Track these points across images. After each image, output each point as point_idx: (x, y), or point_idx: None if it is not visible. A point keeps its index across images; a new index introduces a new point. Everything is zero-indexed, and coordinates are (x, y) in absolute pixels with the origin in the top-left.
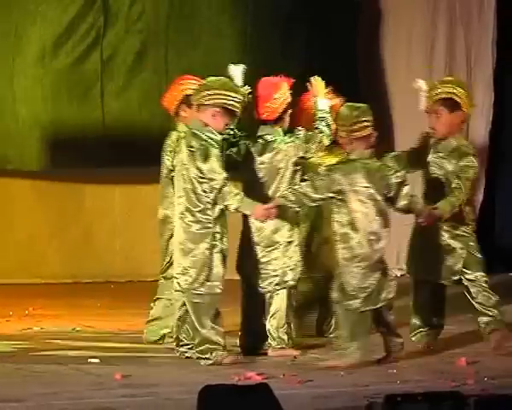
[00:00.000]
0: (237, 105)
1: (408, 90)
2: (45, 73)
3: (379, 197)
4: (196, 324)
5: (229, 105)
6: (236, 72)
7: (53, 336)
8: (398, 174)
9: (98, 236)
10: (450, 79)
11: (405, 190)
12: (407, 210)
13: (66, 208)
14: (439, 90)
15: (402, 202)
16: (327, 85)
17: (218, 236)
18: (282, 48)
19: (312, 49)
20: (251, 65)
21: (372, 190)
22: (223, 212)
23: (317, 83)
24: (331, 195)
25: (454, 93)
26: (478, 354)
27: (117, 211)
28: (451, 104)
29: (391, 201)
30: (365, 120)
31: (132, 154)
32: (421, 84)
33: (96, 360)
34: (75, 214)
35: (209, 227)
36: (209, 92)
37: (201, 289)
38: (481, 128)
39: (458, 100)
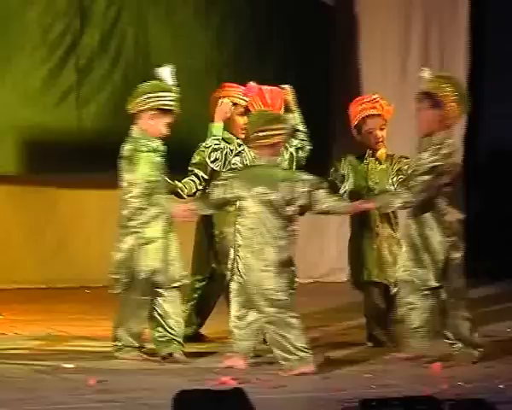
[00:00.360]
0: (172, 103)
1: (382, 93)
2: (21, 77)
3: (280, 203)
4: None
5: (164, 105)
6: (165, 73)
7: (28, 342)
8: (305, 183)
9: (73, 241)
10: (443, 74)
11: (318, 195)
12: (327, 213)
13: (40, 213)
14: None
15: (317, 207)
16: (296, 92)
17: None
18: (258, 54)
19: (286, 55)
20: (229, 73)
21: (273, 197)
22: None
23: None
24: (228, 199)
25: (437, 88)
26: (453, 359)
27: (91, 216)
28: (433, 100)
29: (305, 207)
30: (273, 129)
31: (107, 159)
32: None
33: (71, 366)
34: (50, 219)
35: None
36: (142, 98)
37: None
38: (455, 131)
39: (440, 97)
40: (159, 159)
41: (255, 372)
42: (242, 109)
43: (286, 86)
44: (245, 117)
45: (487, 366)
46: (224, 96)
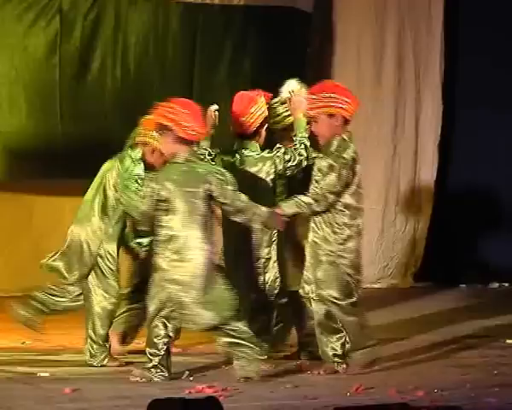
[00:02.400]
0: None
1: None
2: (2, 82)
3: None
4: None
5: None
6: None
7: (2, 350)
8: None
9: (48, 248)
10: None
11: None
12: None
13: (15, 221)
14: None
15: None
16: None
17: None
18: (231, 62)
19: (261, 62)
20: (201, 77)
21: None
22: None
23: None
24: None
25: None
26: (429, 367)
27: (67, 223)
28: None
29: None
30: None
31: (89, 166)
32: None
33: (46, 374)
34: (25, 227)
35: None
36: None
37: None
38: (430, 140)
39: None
40: None
41: (230, 381)
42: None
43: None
44: None
45: (463, 373)
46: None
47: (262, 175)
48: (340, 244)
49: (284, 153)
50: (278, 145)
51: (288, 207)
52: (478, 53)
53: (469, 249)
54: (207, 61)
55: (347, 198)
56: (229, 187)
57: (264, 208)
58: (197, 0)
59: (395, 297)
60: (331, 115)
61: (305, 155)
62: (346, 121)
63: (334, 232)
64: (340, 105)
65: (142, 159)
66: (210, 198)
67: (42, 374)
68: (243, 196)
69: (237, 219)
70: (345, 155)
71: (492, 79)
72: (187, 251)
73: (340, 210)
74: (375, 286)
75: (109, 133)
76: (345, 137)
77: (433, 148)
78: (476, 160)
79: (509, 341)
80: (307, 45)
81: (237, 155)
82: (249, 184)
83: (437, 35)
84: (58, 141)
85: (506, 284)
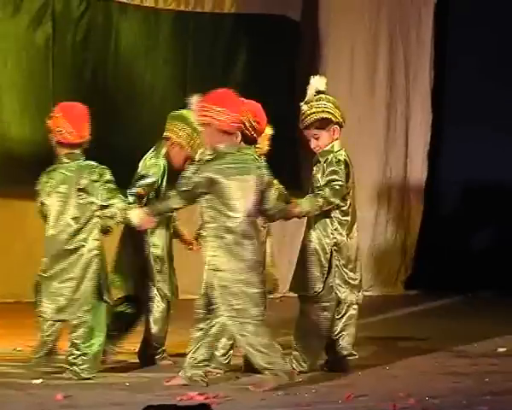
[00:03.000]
0: None
1: (351, 108)
2: None
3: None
4: None
5: None
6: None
7: None
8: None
9: (41, 254)
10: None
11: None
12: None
13: (8, 226)
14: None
15: None
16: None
17: None
18: (223, 67)
19: (251, 70)
20: (192, 85)
21: None
22: None
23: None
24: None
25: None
26: (420, 374)
27: None
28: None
29: None
30: None
31: None
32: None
33: (38, 381)
34: (18, 232)
35: None
36: None
37: None
38: (419, 147)
39: (329, 116)
40: None
41: (222, 387)
42: None
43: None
44: None
45: (455, 381)
46: None
47: None
48: None
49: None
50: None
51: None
52: (467, 60)
53: (460, 256)
54: (198, 69)
55: None
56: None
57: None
58: (187, 8)
59: (386, 305)
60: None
61: None
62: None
63: None
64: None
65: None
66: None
67: (33, 381)
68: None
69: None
70: None
71: (482, 86)
72: None
73: None
74: (366, 294)
75: (100, 139)
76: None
77: (423, 155)
78: (466, 166)
79: (500, 349)
80: (297, 53)
81: None
82: None
83: (427, 43)
84: (50, 146)
85: (497, 291)
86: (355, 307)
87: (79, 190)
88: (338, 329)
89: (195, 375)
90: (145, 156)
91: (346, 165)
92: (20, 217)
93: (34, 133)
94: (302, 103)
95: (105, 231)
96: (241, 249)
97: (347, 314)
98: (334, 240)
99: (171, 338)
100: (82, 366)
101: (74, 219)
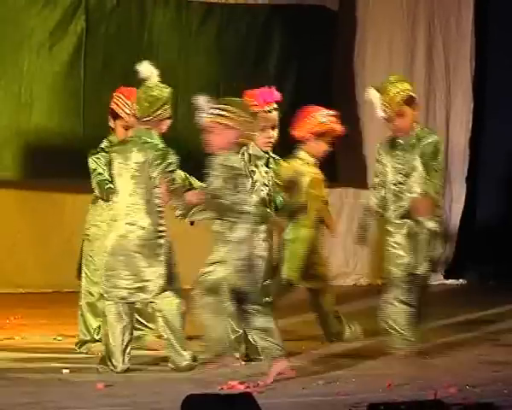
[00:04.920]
0: None
1: None
2: (27, 80)
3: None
4: None
5: None
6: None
7: (34, 346)
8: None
9: (79, 245)
10: (397, 76)
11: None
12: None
13: (47, 218)
14: (398, 90)
15: None
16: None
17: None
18: (256, 59)
19: (287, 62)
20: (226, 77)
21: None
22: None
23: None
24: None
25: (409, 89)
26: (460, 363)
27: None
28: (411, 101)
29: None
30: None
31: None
32: (373, 93)
33: (67, 371)
34: (56, 224)
35: None
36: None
37: None
38: (461, 136)
39: (414, 94)
40: None
41: (261, 377)
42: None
43: None
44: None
45: (495, 370)
46: None
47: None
48: None
49: None
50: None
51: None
52: (508, 49)
53: (502, 246)
54: (231, 62)
55: None
56: None
57: None
58: (220, 0)
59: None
60: None
61: None
62: None
63: None
64: None
65: None
66: None
67: (64, 371)
68: None
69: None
70: None
71: None
72: None
73: None
74: None
75: None
76: None
77: (465, 145)
78: (508, 157)
79: None
80: (334, 44)
81: None
82: None
83: (467, 31)
84: (80, 140)
85: None
86: None
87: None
88: None
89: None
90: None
91: None
92: (58, 209)
93: (67, 125)
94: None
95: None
96: None
97: None
98: None
99: None
100: None
101: None
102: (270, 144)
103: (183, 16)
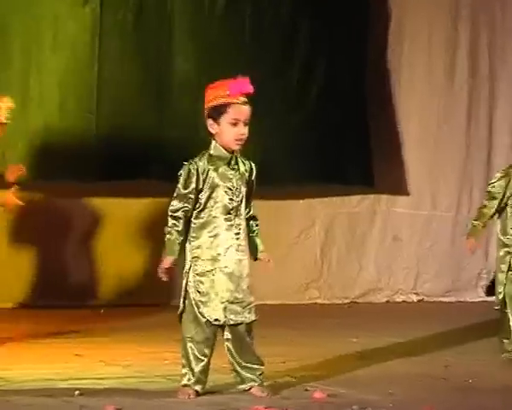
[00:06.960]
0: None
1: (429, 98)
2: (37, 79)
3: None
4: None
5: None
6: None
7: (39, 366)
8: None
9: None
10: None
11: None
12: None
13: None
14: None
15: None
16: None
17: None
18: (283, 50)
19: (316, 54)
20: (249, 65)
21: None
22: None
23: None
24: None
25: None
26: (505, 386)
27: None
28: None
29: None
30: None
31: (122, 166)
32: None
33: (77, 392)
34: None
35: None
36: None
37: None
38: (504, 140)
39: None
40: None
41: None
42: None
43: None
44: None
45: None
46: None
47: None
48: None
49: None
50: None
51: None
52: None
53: None
54: (257, 49)
55: None
56: None
57: None
58: None
59: (464, 312)
60: None
61: None
62: None
63: None
64: None
65: None
66: None
67: (76, 392)
68: None
69: None
70: None
71: None
72: None
73: None
74: (443, 300)
75: (151, 128)
76: None
77: (508, 149)
78: None
79: None
80: (367, 34)
81: None
82: None
83: None
84: (92, 141)
85: None
86: None
87: None
88: None
89: None
90: None
91: None
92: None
93: (74, 126)
94: None
95: None
96: None
97: None
98: None
99: None
100: None
101: None
102: (241, 142)
103: (204, 1)
